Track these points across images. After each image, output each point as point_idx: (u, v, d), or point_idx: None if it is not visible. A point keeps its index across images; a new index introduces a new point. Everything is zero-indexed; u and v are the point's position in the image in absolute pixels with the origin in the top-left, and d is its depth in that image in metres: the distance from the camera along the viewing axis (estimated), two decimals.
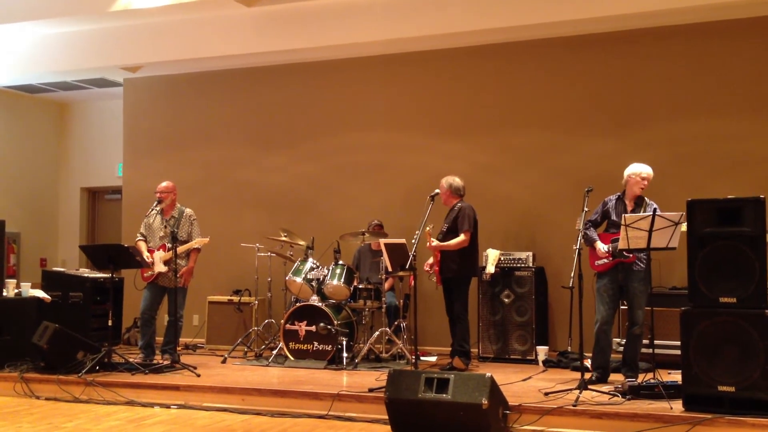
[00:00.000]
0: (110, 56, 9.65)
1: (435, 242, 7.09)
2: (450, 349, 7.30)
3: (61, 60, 9.84)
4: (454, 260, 7.11)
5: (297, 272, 7.92)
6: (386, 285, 8.05)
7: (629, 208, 6.39)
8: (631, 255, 6.20)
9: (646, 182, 6.37)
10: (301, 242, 8.28)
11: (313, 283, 7.86)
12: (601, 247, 6.35)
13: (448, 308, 7.29)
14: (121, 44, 9.56)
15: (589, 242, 6.44)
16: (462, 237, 7.06)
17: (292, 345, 7.73)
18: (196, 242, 7.62)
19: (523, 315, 7.93)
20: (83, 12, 9.11)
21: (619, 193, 6.51)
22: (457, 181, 7.32)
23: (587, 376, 6.07)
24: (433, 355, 8.26)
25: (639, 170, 6.39)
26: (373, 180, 9.19)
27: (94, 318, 8.06)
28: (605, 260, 6.36)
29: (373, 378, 6.51)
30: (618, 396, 5.60)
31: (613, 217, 6.45)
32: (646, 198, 6.41)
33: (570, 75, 8.45)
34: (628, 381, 5.82)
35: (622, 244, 5.91)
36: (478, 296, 8.02)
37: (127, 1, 8.76)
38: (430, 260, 7.27)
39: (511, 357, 7.92)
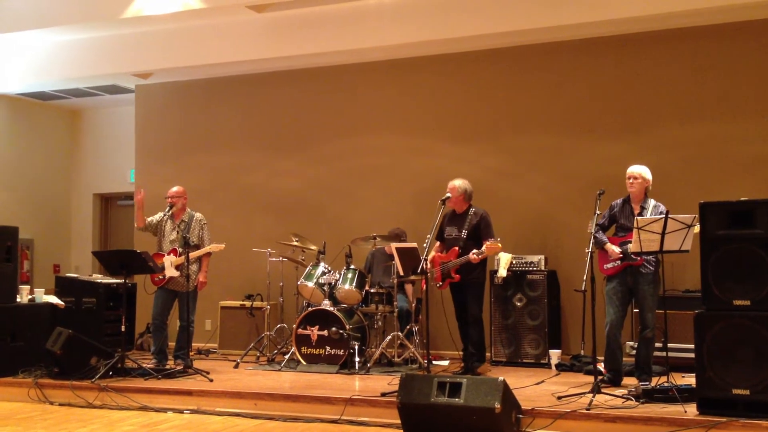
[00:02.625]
0: (122, 63, 9.71)
1: (476, 255, 6.90)
2: (461, 353, 7.26)
3: (73, 67, 9.91)
4: (476, 266, 7.04)
5: (309, 277, 7.93)
6: (408, 288, 8.10)
7: (636, 211, 6.39)
8: (639, 258, 6.19)
9: (630, 180, 6.41)
10: (313, 247, 8.29)
11: (325, 288, 7.87)
12: (614, 248, 6.33)
13: (460, 312, 7.27)
14: (133, 51, 9.61)
15: (600, 245, 6.43)
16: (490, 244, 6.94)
17: (304, 349, 7.74)
18: (210, 247, 7.62)
19: (535, 319, 7.91)
20: (95, 19, 9.18)
21: (625, 197, 6.51)
22: (469, 185, 7.29)
23: (600, 379, 6.05)
24: (446, 359, 8.24)
25: (627, 171, 6.48)
26: (384, 184, 9.19)
27: (107, 324, 8.06)
28: (614, 263, 6.35)
29: (386, 382, 6.50)
30: (632, 399, 5.56)
31: (621, 221, 6.46)
32: (652, 200, 6.41)
33: (579, 78, 8.44)
34: (642, 384, 5.80)
35: (634, 247, 5.89)
36: (490, 300, 8.00)
37: (139, 8, 8.81)
38: (431, 255, 7.10)
39: (524, 361, 7.90)
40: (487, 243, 6.87)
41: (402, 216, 8.80)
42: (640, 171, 6.44)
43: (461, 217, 7.25)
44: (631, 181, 6.41)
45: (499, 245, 6.85)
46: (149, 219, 7.81)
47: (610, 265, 6.39)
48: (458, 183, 7.23)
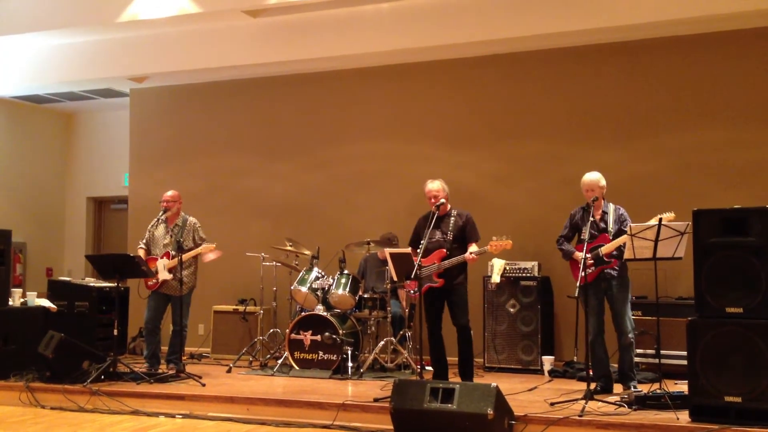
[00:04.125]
0: (117, 67, 9.71)
1: (474, 254, 6.60)
2: (433, 367, 6.87)
3: (68, 70, 9.90)
4: (461, 270, 6.71)
5: (302, 282, 7.93)
6: (401, 294, 8.06)
7: (597, 217, 6.42)
8: (612, 260, 6.21)
9: (586, 191, 6.42)
10: (307, 252, 8.29)
11: (318, 293, 7.86)
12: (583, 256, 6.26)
13: (434, 319, 6.75)
14: (128, 55, 9.61)
15: (567, 256, 6.46)
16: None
17: (297, 354, 7.73)
18: (201, 248, 7.59)
19: (528, 325, 7.91)
20: (90, 23, 9.17)
21: (584, 204, 6.50)
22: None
23: (593, 386, 6.05)
24: None
25: (582, 181, 6.47)
26: (379, 189, 9.20)
27: (99, 327, 8.05)
28: (589, 270, 6.29)
29: (378, 388, 6.50)
30: (624, 406, 5.58)
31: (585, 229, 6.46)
32: (611, 203, 6.45)
33: (575, 85, 8.46)
34: (635, 391, 5.80)
35: (627, 255, 5.91)
36: (483, 306, 8.01)
37: (134, 11, 8.81)
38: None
39: (517, 367, 7.91)
40: (492, 241, 6.45)
41: (396, 222, 8.78)
42: (594, 179, 6.44)
43: (443, 219, 6.78)
44: (586, 192, 6.42)
45: (510, 242, 6.45)
46: (146, 238, 7.79)
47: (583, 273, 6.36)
48: (442, 184, 6.78)
